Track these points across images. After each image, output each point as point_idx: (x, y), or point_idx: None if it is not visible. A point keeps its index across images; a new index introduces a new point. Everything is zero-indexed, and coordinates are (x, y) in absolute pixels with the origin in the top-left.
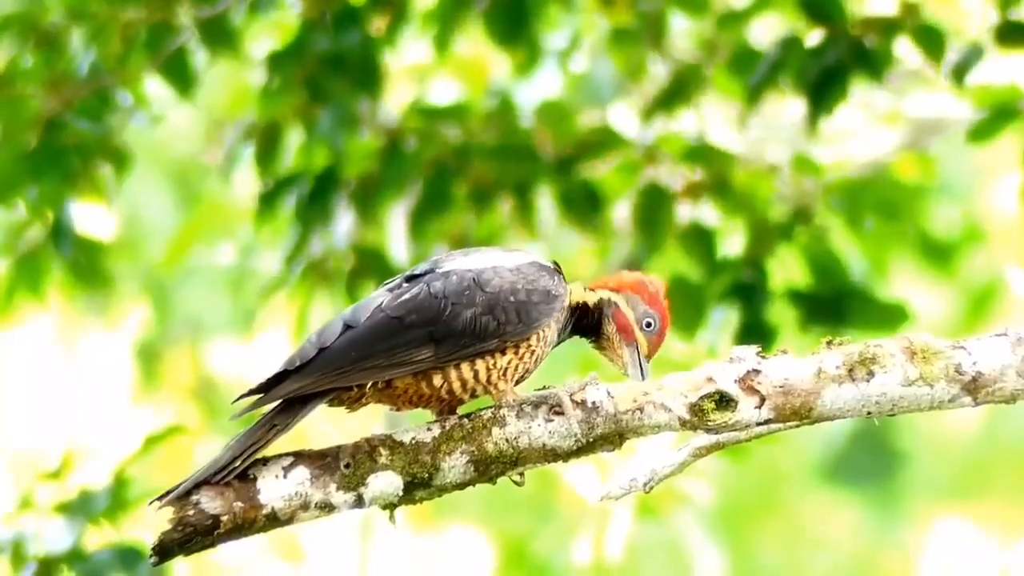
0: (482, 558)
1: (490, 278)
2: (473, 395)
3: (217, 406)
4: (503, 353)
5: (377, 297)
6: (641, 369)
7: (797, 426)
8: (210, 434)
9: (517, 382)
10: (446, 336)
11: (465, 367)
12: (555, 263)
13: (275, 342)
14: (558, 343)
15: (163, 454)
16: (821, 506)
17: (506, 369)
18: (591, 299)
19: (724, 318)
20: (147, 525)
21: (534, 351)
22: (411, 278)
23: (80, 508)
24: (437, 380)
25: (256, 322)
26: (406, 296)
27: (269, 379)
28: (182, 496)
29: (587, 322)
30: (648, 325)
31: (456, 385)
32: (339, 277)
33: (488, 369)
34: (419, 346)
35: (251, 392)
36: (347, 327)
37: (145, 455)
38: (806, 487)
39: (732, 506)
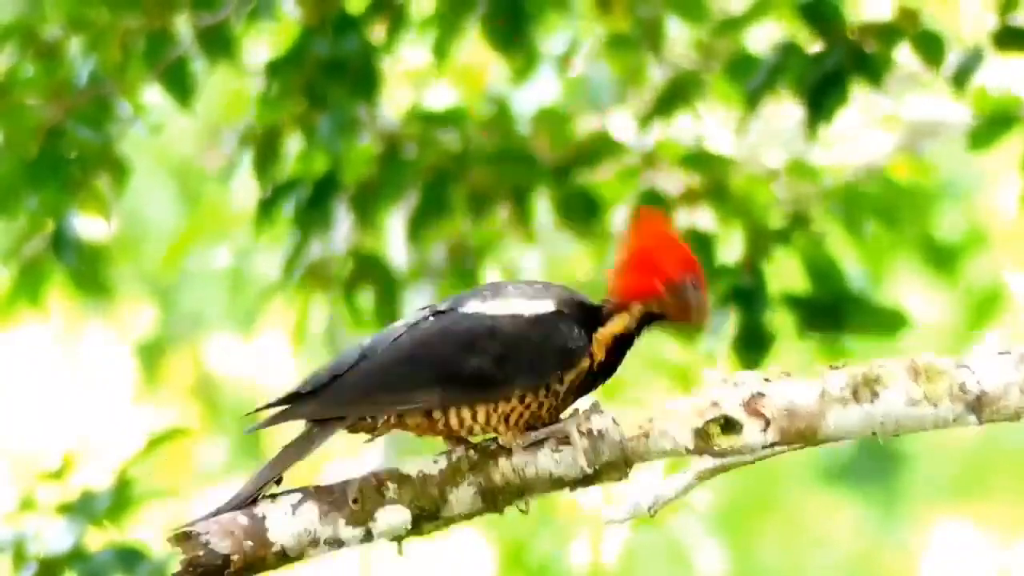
0: (482, 561)
1: (505, 327)
2: (471, 433)
3: (218, 405)
4: (507, 401)
5: (398, 329)
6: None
7: (802, 447)
8: (211, 434)
9: (528, 427)
10: (452, 380)
11: (465, 410)
12: (584, 308)
13: (275, 343)
14: (599, 383)
15: (165, 454)
16: (822, 506)
17: (507, 416)
18: (624, 328)
19: (722, 324)
20: (148, 528)
21: (541, 403)
22: (436, 313)
23: (81, 508)
24: (437, 417)
25: (255, 325)
26: (420, 334)
27: (283, 398)
28: (191, 535)
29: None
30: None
31: (454, 423)
32: (337, 282)
33: (488, 414)
34: (425, 387)
35: (264, 408)
36: (363, 357)
37: (147, 456)
38: (807, 487)
39: (732, 506)
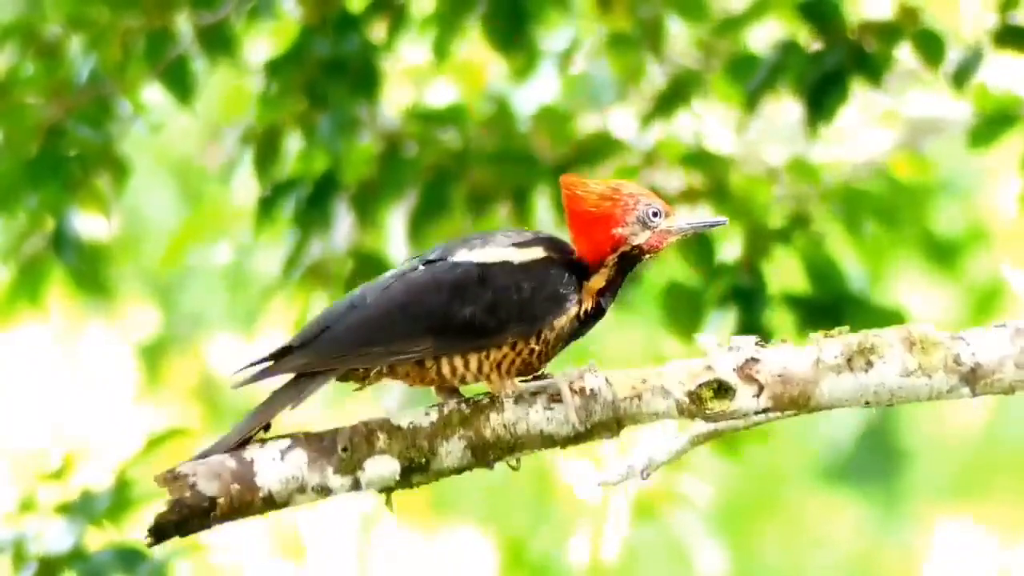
0: (482, 558)
1: (495, 275)
2: (463, 382)
3: (219, 405)
4: (498, 348)
5: (388, 279)
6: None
7: (796, 415)
8: (212, 434)
9: (519, 374)
10: (444, 330)
11: (457, 359)
12: (572, 256)
13: (276, 343)
14: (586, 329)
15: (165, 454)
16: (823, 505)
17: (500, 362)
18: (605, 280)
19: (722, 323)
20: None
21: (533, 349)
22: (427, 263)
23: (81, 508)
24: (428, 365)
25: (256, 324)
26: (411, 284)
27: (273, 353)
28: (178, 475)
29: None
30: (655, 215)
31: (446, 371)
32: (338, 281)
33: (480, 361)
34: (417, 337)
35: (253, 364)
36: (352, 307)
37: (147, 456)
38: (808, 486)
39: (733, 505)
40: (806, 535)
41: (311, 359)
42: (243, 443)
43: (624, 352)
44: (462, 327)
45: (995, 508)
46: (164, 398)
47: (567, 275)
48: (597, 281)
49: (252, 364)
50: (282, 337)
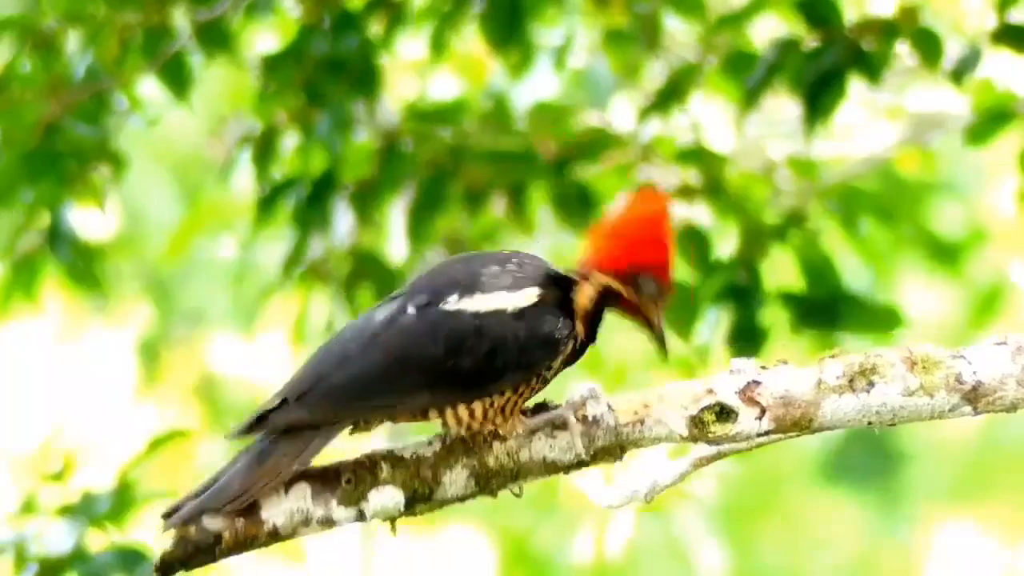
0: (483, 556)
1: (492, 326)
2: (470, 431)
3: (220, 404)
4: (500, 394)
5: (376, 324)
6: (663, 342)
7: (798, 436)
8: (212, 434)
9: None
10: (443, 382)
11: (461, 408)
12: (561, 284)
13: (276, 341)
14: (576, 359)
15: (166, 455)
16: (822, 506)
17: (503, 407)
18: (589, 301)
19: (717, 320)
20: (148, 529)
21: (534, 388)
22: (419, 309)
23: (82, 510)
24: (432, 416)
25: (256, 323)
26: (405, 335)
27: (268, 407)
28: (188, 519)
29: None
30: (649, 290)
31: (452, 422)
32: (338, 279)
33: (484, 409)
34: (416, 390)
35: (252, 420)
36: (345, 358)
37: (148, 458)
38: (807, 487)
39: (733, 506)
40: (806, 536)
41: (308, 415)
42: (248, 499)
43: (628, 357)
44: (459, 379)
45: (995, 509)
46: (164, 397)
47: (562, 318)
48: (583, 296)
49: (249, 421)
50: (278, 387)
